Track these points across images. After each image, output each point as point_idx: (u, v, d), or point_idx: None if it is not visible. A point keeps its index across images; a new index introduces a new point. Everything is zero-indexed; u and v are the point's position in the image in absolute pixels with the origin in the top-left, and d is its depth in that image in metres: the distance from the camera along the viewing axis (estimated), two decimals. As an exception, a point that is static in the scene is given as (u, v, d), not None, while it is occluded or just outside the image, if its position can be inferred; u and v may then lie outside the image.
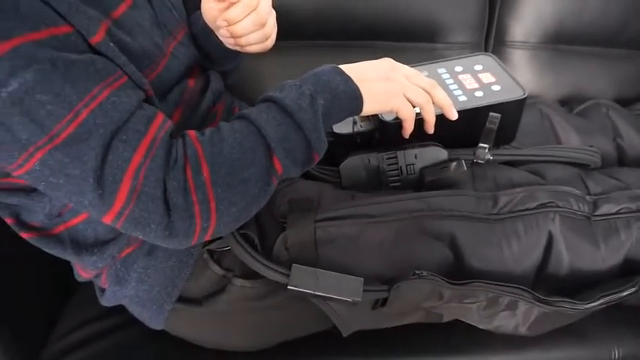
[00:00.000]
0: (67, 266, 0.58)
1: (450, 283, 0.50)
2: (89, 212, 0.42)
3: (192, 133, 0.45)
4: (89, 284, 0.62)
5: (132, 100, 0.42)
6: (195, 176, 0.42)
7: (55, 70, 0.37)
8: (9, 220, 0.50)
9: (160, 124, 0.43)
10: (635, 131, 0.85)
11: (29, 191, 0.48)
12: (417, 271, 0.50)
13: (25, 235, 0.50)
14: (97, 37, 0.41)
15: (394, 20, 0.87)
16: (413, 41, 0.89)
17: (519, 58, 0.94)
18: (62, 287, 0.65)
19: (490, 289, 0.51)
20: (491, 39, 0.95)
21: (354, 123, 0.62)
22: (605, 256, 0.59)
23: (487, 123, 0.55)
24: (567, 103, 0.90)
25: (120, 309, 0.59)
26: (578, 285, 0.59)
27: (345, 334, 0.59)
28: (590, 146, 0.67)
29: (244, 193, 0.44)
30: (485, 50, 0.96)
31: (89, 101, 0.39)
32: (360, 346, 0.61)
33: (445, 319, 0.62)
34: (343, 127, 0.62)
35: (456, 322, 0.62)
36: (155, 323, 0.56)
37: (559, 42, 0.94)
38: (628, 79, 0.97)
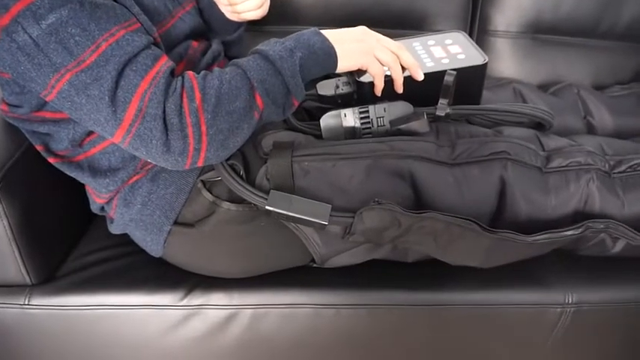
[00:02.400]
0: (87, 202, 0.68)
1: (406, 211, 0.58)
2: (104, 129, 0.52)
3: (190, 73, 0.55)
4: (103, 221, 0.73)
5: (142, 41, 0.52)
6: (190, 102, 0.51)
7: (83, 10, 0.48)
8: (39, 147, 0.61)
9: (164, 62, 0.53)
10: (607, 111, 0.92)
11: (57, 121, 0.58)
12: (376, 199, 0.58)
13: (51, 160, 0.61)
14: (117, -11, 0.52)
15: (385, 9, 0.97)
16: (401, 29, 0.98)
17: (501, 45, 1.02)
18: (83, 219, 0.76)
19: (440, 219, 0.58)
20: (475, 28, 1.04)
21: (336, 87, 0.71)
22: (554, 205, 0.66)
23: (444, 80, 0.63)
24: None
25: (127, 240, 0.69)
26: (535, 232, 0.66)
27: (320, 264, 0.67)
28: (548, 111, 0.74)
29: (230, 122, 0.54)
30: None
31: (108, 37, 0.49)
32: (338, 279, 0.68)
33: (410, 259, 0.69)
34: (326, 90, 0.71)
35: (423, 264, 0.70)
36: (155, 248, 0.66)
37: (538, 32, 1.02)
38: (605, 68, 1.03)
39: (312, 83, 0.70)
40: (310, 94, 0.72)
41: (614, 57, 1.04)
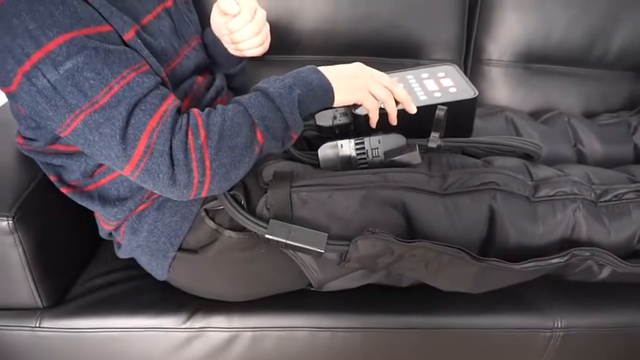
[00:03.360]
0: (95, 227, 0.72)
1: (398, 240, 0.61)
2: (114, 164, 0.55)
3: (195, 110, 0.59)
4: (110, 245, 0.76)
5: (151, 82, 0.56)
6: (195, 139, 0.55)
7: (97, 56, 0.52)
8: (53, 178, 0.64)
9: (171, 101, 0.57)
10: (596, 139, 0.95)
11: (70, 154, 0.62)
12: (370, 229, 0.61)
13: (64, 190, 0.65)
14: (128, 35, 0.56)
15: (382, 39, 1.01)
16: (398, 57, 1.02)
17: (495, 74, 1.06)
18: (92, 243, 0.79)
19: (431, 248, 0.61)
20: (469, 57, 1.08)
21: (334, 118, 0.74)
22: (542, 233, 0.69)
23: (435, 115, 0.67)
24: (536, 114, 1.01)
25: (133, 264, 0.72)
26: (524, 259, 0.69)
27: (317, 288, 0.70)
28: (535, 143, 0.77)
29: (232, 157, 0.57)
30: (465, 67, 1.08)
31: (120, 79, 0.53)
32: (334, 303, 0.71)
33: (405, 284, 0.72)
34: (325, 121, 0.74)
35: (416, 288, 0.73)
36: (160, 272, 0.69)
37: (530, 61, 1.05)
38: (595, 96, 1.07)
39: (311, 114, 0.74)
40: (309, 124, 0.76)
41: (604, 85, 1.07)
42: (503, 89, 1.06)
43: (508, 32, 1.03)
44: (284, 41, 0.98)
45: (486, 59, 1.06)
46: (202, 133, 0.56)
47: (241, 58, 0.81)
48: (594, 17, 1.02)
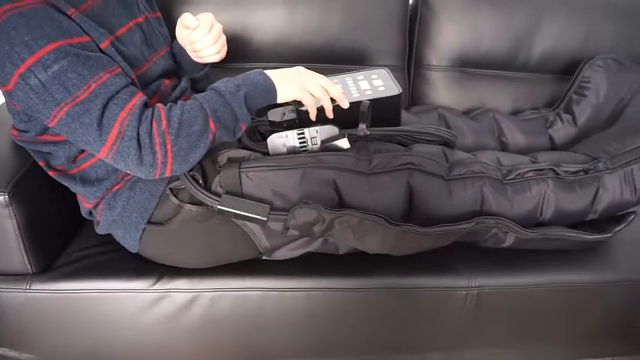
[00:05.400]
0: (78, 209, 0.84)
1: (327, 209, 0.74)
2: (92, 148, 0.68)
3: (159, 105, 0.72)
4: (91, 226, 0.88)
5: (122, 82, 0.69)
6: (158, 127, 0.68)
7: (78, 60, 0.65)
8: (41, 163, 0.77)
9: (139, 97, 0.70)
10: (519, 132, 1.10)
11: (56, 143, 0.75)
12: (305, 200, 0.75)
13: (51, 174, 0.78)
14: (104, 44, 0.70)
15: (332, 48, 1.15)
16: (348, 64, 1.16)
17: (434, 78, 1.21)
18: (75, 223, 0.92)
19: (354, 214, 0.75)
20: (412, 63, 1.22)
21: (283, 114, 0.88)
22: (455, 205, 0.82)
23: (360, 108, 0.80)
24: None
25: (110, 240, 0.85)
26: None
27: (267, 256, 0.83)
28: (451, 131, 0.91)
29: (190, 142, 0.70)
30: (408, 72, 1.23)
31: (97, 79, 0.66)
32: (282, 268, 0.84)
33: (341, 252, 0.85)
34: (275, 117, 0.88)
35: (350, 255, 0.85)
36: (132, 244, 0.81)
37: (464, 66, 1.20)
38: (522, 96, 1.22)
39: (265, 110, 0.88)
40: (263, 119, 0.89)
41: (530, 86, 1.22)
42: (441, 91, 1.20)
43: (444, 41, 1.18)
44: (245, 51, 1.12)
45: (426, 65, 1.20)
46: (164, 122, 0.69)
47: (204, 65, 0.95)
48: (517, 28, 1.17)
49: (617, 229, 0.90)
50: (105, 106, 0.66)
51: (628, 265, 0.93)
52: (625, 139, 0.94)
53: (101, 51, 0.69)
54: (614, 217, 0.93)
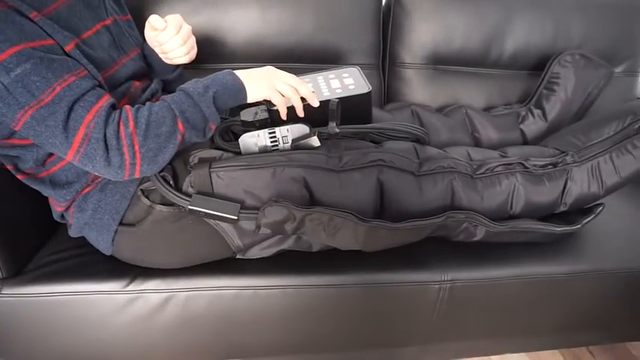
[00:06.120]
0: (50, 213, 0.84)
1: (297, 206, 0.75)
2: (59, 150, 0.68)
3: (127, 107, 0.72)
4: (64, 230, 0.88)
5: (88, 84, 0.69)
6: (125, 128, 0.68)
7: (42, 63, 0.65)
8: (10, 167, 0.77)
9: (106, 100, 0.70)
10: (492, 127, 1.12)
11: (24, 146, 0.75)
12: (274, 198, 0.75)
13: (20, 177, 0.77)
14: (69, 47, 0.69)
15: (305, 48, 1.16)
16: (321, 63, 1.17)
17: (408, 75, 1.22)
18: (48, 227, 0.92)
19: (324, 211, 0.75)
20: (387, 61, 1.24)
21: (255, 114, 0.88)
22: (425, 201, 0.84)
23: (329, 107, 0.81)
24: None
25: (84, 244, 0.85)
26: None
27: (240, 255, 0.83)
28: (422, 128, 0.93)
29: (158, 142, 0.71)
30: (383, 70, 1.24)
31: (61, 82, 0.66)
32: (256, 267, 0.84)
33: (315, 249, 0.86)
34: (247, 116, 0.88)
35: (324, 252, 0.86)
36: (105, 246, 0.81)
37: (437, 63, 1.22)
38: (495, 92, 1.24)
39: (238, 110, 0.89)
40: (235, 119, 0.90)
41: (502, 83, 1.24)
42: (416, 88, 1.22)
43: (417, 39, 1.20)
44: (219, 52, 1.12)
45: (400, 62, 1.22)
46: (131, 123, 0.69)
47: (176, 66, 0.95)
48: (489, 26, 1.20)
49: (586, 220, 0.92)
50: (70, 109, 0.66)
51: (597, 256, 0.95)
52: (591, 132, 0.96)
53: (66, 54, 0.69)
54: (583, 209, 0.95)
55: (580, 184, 0.92)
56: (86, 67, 0.71)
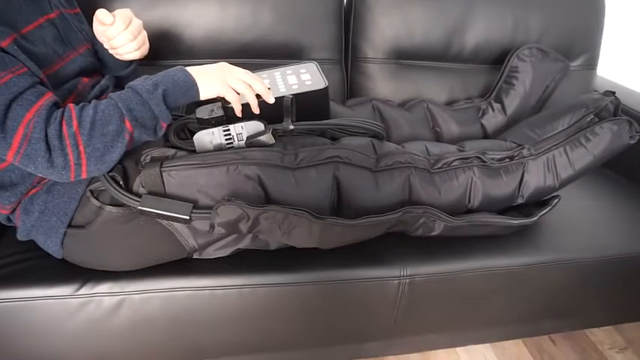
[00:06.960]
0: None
1: (250, 205, 0.74)
2: (-2, 152, 0.65)
3: (70, 105, 0.69)
4: (12, 234, 0.85)
5: (27, 82, 0.66)
6: (68, 128, 0.66)
7: (-25, 60, 0.62)
8: (-51, 170, 0.73)
9: (48, 98, 0.68)
10: (453, 121, 1.13)
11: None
12: (227, 197, 0.74)
13: (-40, 180, 0.74)
14: (5, 43, 0.66)
15: (265, 43, 1.14)
16: (282, 59, 1.15)
17: (371, 70, 1.22)
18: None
19: (278, 209, 0.74)
20: (349, 56, 1.23)
21: (211, 111, 0.86)
22: (383, 197, 0.83)
23: (284, 103, 0.80)
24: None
25: (34, 247, 0.82)
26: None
27: (195, 255, 0.82)
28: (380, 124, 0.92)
29: (104, 142, 0.69)
30: (345, 64, 1.24)
31: (-3, 80, 0.64)
32: (212, 267, 0.83)
33: (272, 247, 0.85)
34: (203, 114, 0.86)
35: (282, 250, 0.85)
36: (55, 249, 0.79)
37: (399, 58, 1.22)
38: (457, 86, 1.25)
39: (195, 107, 0.87)
40: (191, 117, 0.88)
41: (464, 77, 1.25)
42: (378, 82, 1.22)
43: (379, 34, 1.20)
44: (177, 48, 1.10)
45: (362, 57, 1.22)
46: (75, 122, 0.67)
47: (130, 62, 0.92)
48: (449, 20, 1.20)
49: (542, 213, 0.94)
50: (8, 108, 0.63)
51: (555, 247, 0.97)
52: (546, 125, 0.97)
53: (2, 50, 0.66)
54: (540, 201, 0.97)
55: (536, 176, 0.93)
56: (25, 63, 0.68)
